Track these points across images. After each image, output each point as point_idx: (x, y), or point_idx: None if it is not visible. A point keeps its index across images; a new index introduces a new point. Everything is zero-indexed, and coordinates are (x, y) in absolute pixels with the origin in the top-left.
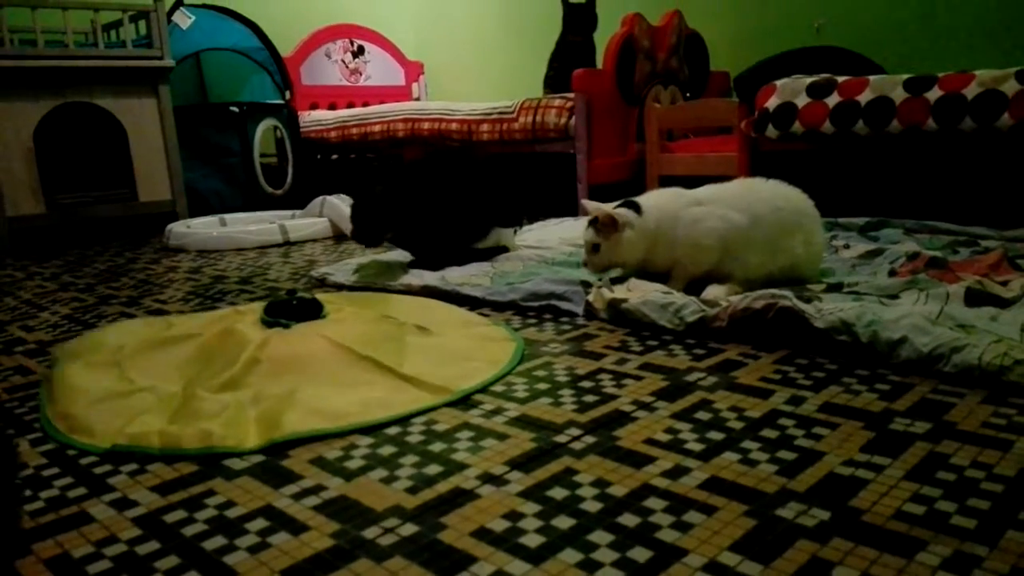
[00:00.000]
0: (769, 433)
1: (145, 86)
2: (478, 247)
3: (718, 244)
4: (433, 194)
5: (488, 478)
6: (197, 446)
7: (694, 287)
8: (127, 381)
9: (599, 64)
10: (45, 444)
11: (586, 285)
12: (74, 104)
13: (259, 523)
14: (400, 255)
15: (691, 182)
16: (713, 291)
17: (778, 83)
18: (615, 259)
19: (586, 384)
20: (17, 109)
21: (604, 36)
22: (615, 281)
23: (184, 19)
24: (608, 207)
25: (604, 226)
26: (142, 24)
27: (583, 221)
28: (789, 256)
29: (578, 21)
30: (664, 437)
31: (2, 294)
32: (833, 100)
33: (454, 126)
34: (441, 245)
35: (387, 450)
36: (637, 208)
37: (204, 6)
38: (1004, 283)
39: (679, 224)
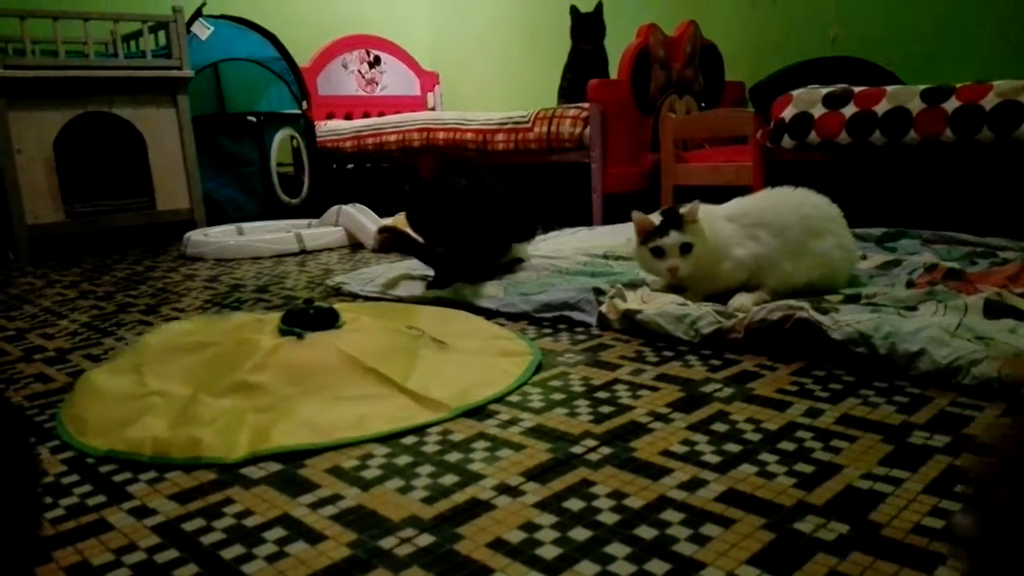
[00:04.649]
0: (787, 445)
1: (164, 96)
2: (499, 262)
3: (744, 271)
4: (483, 208)
5: (504, 489)
6: (185, 455)
7: (719, 295)
8: (142, 385)
9: (613, 74)
10: (65, 451)
11: (599, 294)
12: (94, 114)
13: (277, 532)
14: (411, 266)
15: (706, 192)
16: (740, 299)
17: (794, 93)
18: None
19: (602, 395)
20: (38, 118)
21: (619, 46)
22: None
23: (203, 30)
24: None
25: (689, 222)
26: (161, 35)
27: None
28: (826, 261)
29: (587, 30)
30: (681, 449)
31: (22, 302)
32: (850, 110)
33: (469, 136)
34: (470, 261)
35: (403, 460)
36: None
37: (223, 17)
38: (1023, 295)
39: (708, 239)
